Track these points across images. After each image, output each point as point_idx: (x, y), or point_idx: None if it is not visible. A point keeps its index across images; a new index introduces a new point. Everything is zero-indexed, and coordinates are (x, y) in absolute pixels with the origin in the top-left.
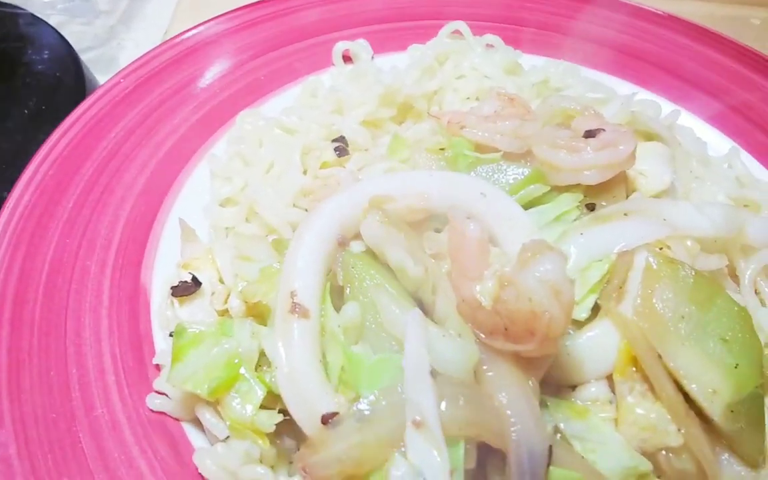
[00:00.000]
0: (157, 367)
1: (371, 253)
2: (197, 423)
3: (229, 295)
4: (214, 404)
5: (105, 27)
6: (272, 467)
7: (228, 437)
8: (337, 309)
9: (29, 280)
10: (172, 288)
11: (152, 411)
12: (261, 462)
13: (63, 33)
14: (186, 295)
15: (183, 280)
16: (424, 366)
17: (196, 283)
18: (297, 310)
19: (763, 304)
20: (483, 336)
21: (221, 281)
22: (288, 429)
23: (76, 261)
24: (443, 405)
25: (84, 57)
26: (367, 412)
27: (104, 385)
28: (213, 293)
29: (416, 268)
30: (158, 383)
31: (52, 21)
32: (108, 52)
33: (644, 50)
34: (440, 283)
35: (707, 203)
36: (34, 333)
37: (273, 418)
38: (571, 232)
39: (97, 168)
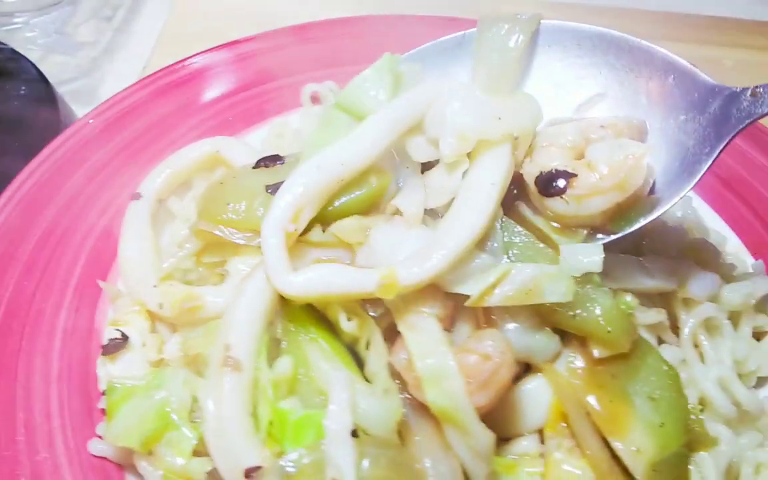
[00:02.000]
0: (103, 411)
1: (312, 307)
2: (137, 471)
3: (162, 345)
4: (149, 454)
5: (88, 58)
6: None
7: None
8: (276, 359)
9: None
10: (103, 347)
11: (94, 456)
12: None
13: (47, 63)
14: (115, 353)
15: (112, 337)
16: (346, 426)
17: (124, 338)
18: (229, 363)
19: (702, 358)
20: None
21: (152, 330)
22: None
23: (32, 304)
24: (365, 464)
25: (66, 88)
26: (289, 469)
27: (49, 429)
28: (144, 344)
29: (349, 324)
30: (102, 431)
31: (35, 54)
32: (90, 83)
33: None
34: (374, 338)
35: (650, 257)
36: None
37: (205, 465)
38: None
39: (60, 209)
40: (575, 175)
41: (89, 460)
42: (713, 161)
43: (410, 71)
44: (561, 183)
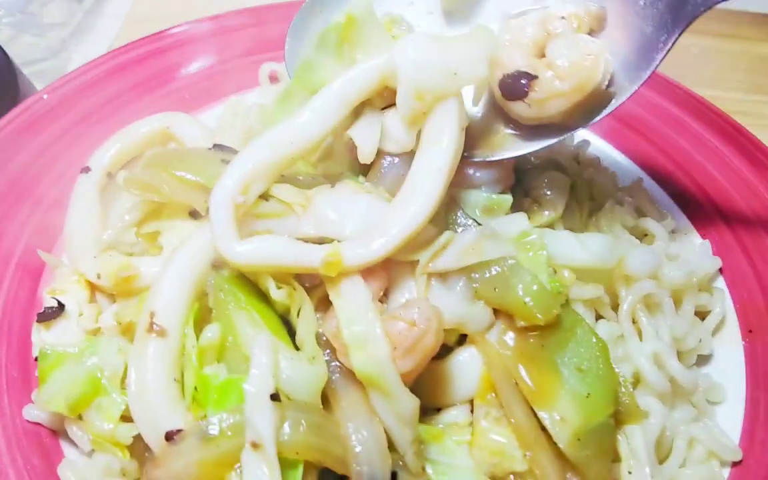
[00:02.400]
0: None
1: (243, 277)
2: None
3: (99, 315)
4: (79, 419)
5: (57, 39)
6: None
7: (92, 450)
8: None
9: None
10: (38, 315)
11: (29, 422)
12: (123, 475)
13: (16, 43)
14: (50, 320)
15: (48, 306)
16: (265, 389)
17: (60, 307)
18: (155, 329)
19: (639, 334)
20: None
21: (90, 300)
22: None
23: None
24: (286, 427)
25: (33, 68)
26: (209, 431)
27: None
28: (81, 314)
29: (278, 293)
30: (34, 399)
31: (4, 34)
32: (58, 63)
33: None
34: (304, 307)
35: (589, 234)
36: None
37: (131, 431)
38: None
39: (10, 181)
40: (536, 77)
41: (24, 426)
42: (669, 50)
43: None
44: (524, 84)
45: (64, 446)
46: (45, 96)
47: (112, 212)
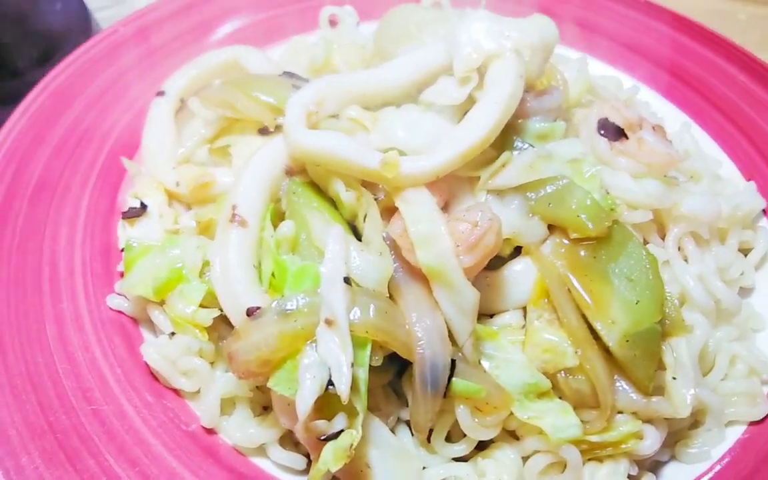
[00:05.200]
0: (122, 274)
1: (314, 184)
2: (151, 325)
3: (177, 217)
4: (161, 305)
5: None
6: (212, 363)
7: (173, 334)
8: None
9: (16, 191)
10: (123, 213)
11: (112, 309)
12: (201, 355)
13: None
14: (134, 217)
15: (132, 206)
16: (339, 272)
17: (142, 207)
18: (236, 219)
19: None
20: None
21: (170, 205)
22: (229, 332)
23: (61, 180)
24: (356, 310)
25: (99, 15)
26: (287, 308)
27: (72, 284)
28: (161, 216)
29: (347, 195)
30: (119, 286)
31: None
32: (121, 11)
33: (613, 30)
34: (370, 211)
35: (647, 178)
36: (15, 236)
37: (211, 314)
38: None
39: (89, 102)
40: (627, 138)
41: (107, 312)
42: None
43: None
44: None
45: (144, 332)
46: (120, 28)
47: (184, 133)
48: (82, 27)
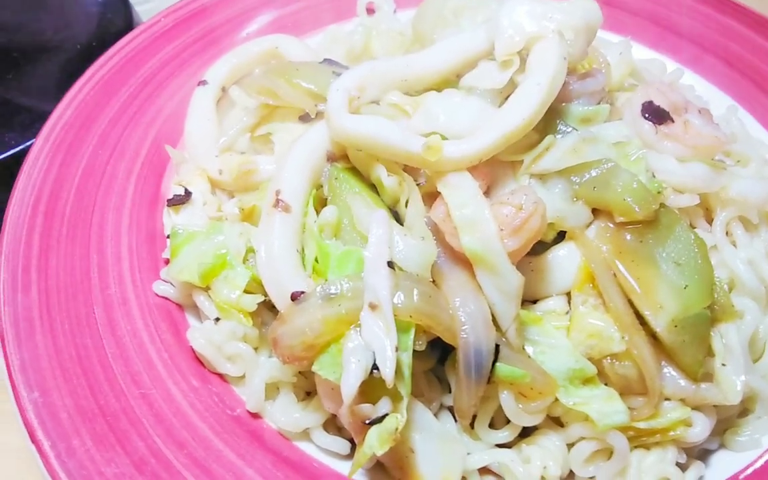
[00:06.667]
0: (167, 260)
1: (355, 170)
2: (196, 311)
3: (220, 204)
4: (206, 290)
5: None
6: (256, 349)
7: (218, 319)
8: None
9: (64, 180)
10: (168, 200)
11: (158, 295)
12: (245, 340)
13: None
14: (179, 205)
15: (176, 193)
16: (383, 256)
17: (187, 194)
18: (280, 205)
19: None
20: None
21: (213, 192)
22: (273, 318)
23: (106, 168)
24: (399, 294)
25: (139, 8)
26: (331, 292)
27: (119, 270)
28: (205, 203)
29: (389, 180)
30: (164, 273)
31: None
32: (160, 5)
33: (656, 13)
34: (412, 195)
35: (693, 161)
36: (63, 223)
37: (256, 299)
38: None
39: (132, 92)
40: (673, 121)
41: (154, 298)
42: None
43: None
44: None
45: (189, 318)
46: (162, 19)
47: (225, 122)
48: (123, 19)
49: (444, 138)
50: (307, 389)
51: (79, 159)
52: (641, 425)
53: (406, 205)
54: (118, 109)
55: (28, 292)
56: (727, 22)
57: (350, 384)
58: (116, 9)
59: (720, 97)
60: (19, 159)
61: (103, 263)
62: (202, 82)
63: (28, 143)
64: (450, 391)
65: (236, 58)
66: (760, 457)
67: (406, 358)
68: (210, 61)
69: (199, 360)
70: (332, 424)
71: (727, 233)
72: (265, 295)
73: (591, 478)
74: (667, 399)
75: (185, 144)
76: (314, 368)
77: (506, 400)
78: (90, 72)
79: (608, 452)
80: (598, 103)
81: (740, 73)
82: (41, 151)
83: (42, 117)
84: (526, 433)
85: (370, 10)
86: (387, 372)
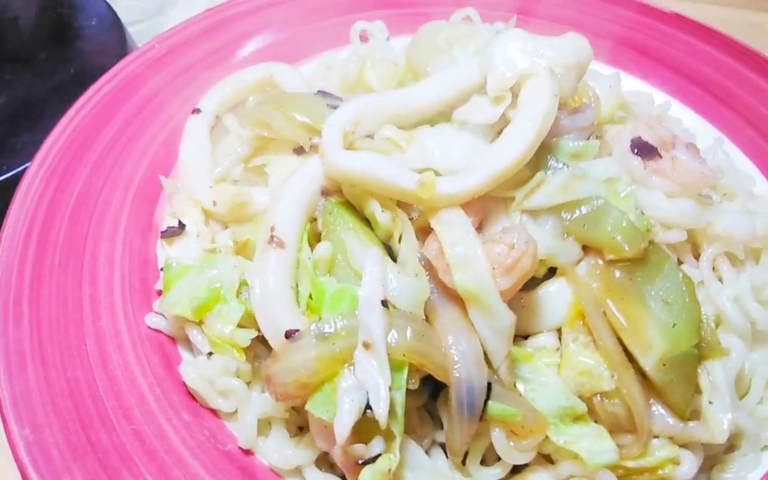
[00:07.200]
0: (159, 292)
1: (349, 204)
2: (189, 344)
3: (214, 236)
4: (199, 324)
5: (155, 3)
6: (248, 383)
7: (211, 353)
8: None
9: (57, 209)
10: (162, 232)
11: (150, 328)
12: (238, 376)
13: (116, 6)
14: (172, 237)
15: (170, 225)
16: (377, 295)
17: (181, 226)
18: (274, 241)
19: (720, 281)
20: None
21: (206, 223)
22: (265, 352)
23: (100, 196)
24: (393, 333)
25: (132, 29)
26: (325, 331)
27: (111, 301)
28: (198, 234)
29: (383, 216)
30: (157, 305)
31: None
32: (154, 25)
33: (645, 45)
34: (405, 231)
35: (680, 197)
36: (56, 253)
37: (249, 334)
38: None
39: (126, 119)
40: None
41: (145, 331)
42: None
43: None
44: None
45: (182, 351)
46: (155, 45)
47: (219, 150)
48: (117, 42)
49: (437, 173)
50: (300, 424)
51: (72, 187)
52: (630, 464)
53: (400, 241)
54: (111, 136)
55: (19, 324)
56: (713, 53)
57: (344, 424)
58: (110, 33)
59: (707, 129)
60: (12, 184)
61: (95, 294)
62: (196, 111)
63: (21, 168)
64: (441, 428)
65: (230, 86)
66: None
67: (399, 397)
68: (204, 87)
69: (191, 395)
70: (324, 461)
71: (713, 269)
72: (258, 329)
73: None
74: (655, 437)
75: (179, 174)
76: (307, 407)
77: (497, 437)
78: (84, 98)
79: None
80: (588, 138)
81: (726, 104)
82: (34, 178)
83: (35, 142)
84: (516, 470)
85: (364, 38)
86: (380, 412)
